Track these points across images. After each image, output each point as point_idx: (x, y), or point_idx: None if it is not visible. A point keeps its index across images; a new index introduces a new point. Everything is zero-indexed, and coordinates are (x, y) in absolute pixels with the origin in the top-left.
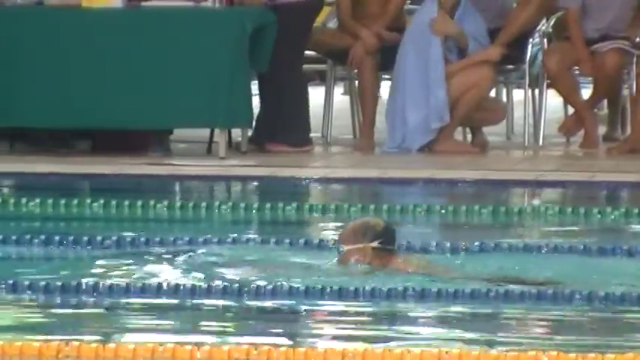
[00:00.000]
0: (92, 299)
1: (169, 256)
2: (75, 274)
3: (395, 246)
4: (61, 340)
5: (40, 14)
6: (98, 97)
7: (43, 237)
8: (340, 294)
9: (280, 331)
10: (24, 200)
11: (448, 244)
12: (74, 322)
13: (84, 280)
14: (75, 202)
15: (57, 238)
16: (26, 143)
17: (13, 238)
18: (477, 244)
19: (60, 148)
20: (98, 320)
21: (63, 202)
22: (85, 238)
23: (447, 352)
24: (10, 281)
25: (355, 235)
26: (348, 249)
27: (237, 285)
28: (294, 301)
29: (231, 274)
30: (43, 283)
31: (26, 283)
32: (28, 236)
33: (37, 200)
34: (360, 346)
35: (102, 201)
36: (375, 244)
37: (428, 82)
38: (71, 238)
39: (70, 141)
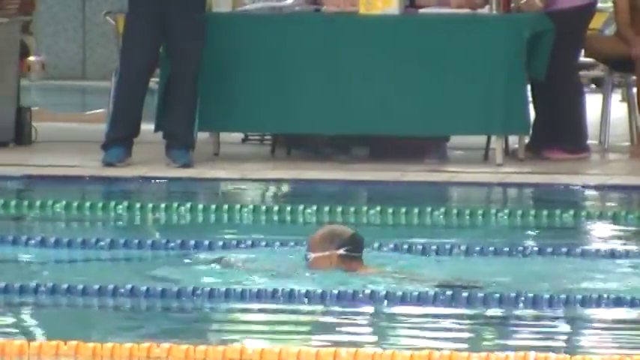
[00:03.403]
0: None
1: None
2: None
3: (361, 254)
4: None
5: (318, 21)
6: (375, 103)
7: None
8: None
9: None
10: (300, 207)
11: None
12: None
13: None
14: (352, 209)
15: None
16: (304, 150)
17: (291, 244)
18: None
19: (337, 154)
20: None
21: (339, 209)
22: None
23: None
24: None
25: (323, 242)
26: (316, 256)
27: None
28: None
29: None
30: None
31: (303, 291)
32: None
33: (314, 207)
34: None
35: (378, 208)
36: (341, 251)
37: None
38: None
39: (347, 148)
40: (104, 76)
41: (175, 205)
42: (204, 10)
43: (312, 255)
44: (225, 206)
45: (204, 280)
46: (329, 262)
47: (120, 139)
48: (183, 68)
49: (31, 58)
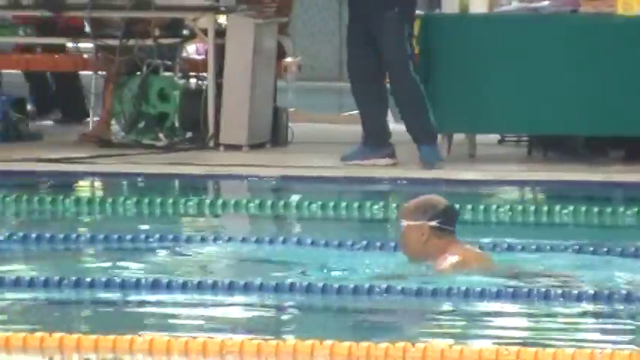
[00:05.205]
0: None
1: None
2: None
3: (454, 227)
4: None
5: (575, 22)
6: (632, 104)
7: (576, 247)
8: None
9: None
10: (557, 208)
11: None
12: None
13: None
14: (608, 210)
15: (591, 248)
16: (560, 151)
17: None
18: None
19: (594, 156)
20: None
21: (596, 210)
22: (621, 248)
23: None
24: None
25: (416, 212)
26: (408, 224)
27: None
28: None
29: None
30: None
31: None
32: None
33: (571, 208)
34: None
35: (635, 209)
36: (433, 223)
37: None
38: (603, 247)
39: (603, 149)
40: None
41: None
42: (398, 5)
43: (405, 223)
44: (482, 206)
45: None
46: (420, 232)
47: (369, 139)
48: (388, 68)
49: (288, 60)
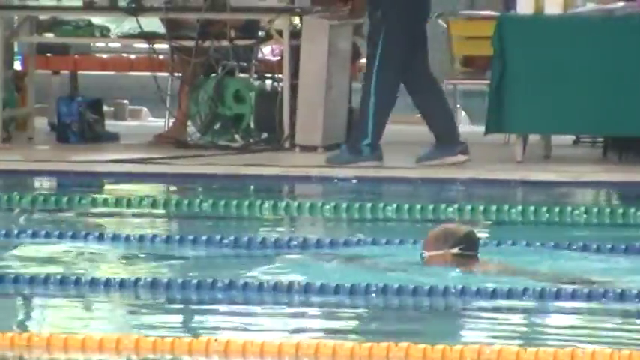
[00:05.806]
0: None
1: None
2: None
3: (476, 252)
4: None
5: None
6: None
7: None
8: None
9: None
10: (632, 210)
11: None
12: None
13: None
14: None
15: None
16: (636, 153)
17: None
18: None
19: None
20: None
21: None
22: None
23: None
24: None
25: (437, 241)
26: (430, 255)
27: None
28: None
29: None
30: None
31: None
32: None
33: None
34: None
35: None
36: (455, 250)
37: None
38: None
39: None
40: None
41: (506, 207)
42: (382, 9)
43: (427, 254)
44: (557, 209)
45: None
46: (443, 260)
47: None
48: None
49: (363, 61)
